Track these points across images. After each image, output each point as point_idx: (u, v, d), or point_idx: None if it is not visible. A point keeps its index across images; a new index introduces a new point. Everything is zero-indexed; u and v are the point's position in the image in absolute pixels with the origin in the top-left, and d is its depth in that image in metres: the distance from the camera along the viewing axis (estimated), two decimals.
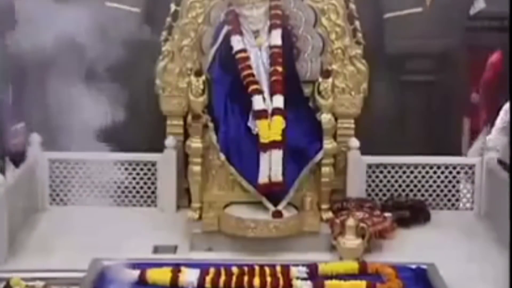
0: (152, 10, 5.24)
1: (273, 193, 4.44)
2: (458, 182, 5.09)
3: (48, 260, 4.20)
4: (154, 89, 5.06)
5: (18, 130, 5.48)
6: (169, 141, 5.00)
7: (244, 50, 4.68)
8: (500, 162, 5.00)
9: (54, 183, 5.05)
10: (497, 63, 6.31)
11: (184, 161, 4.92)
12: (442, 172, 5.07)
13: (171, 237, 4.59)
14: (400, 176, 5.07)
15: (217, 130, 4.58)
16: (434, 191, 5.08)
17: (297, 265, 4.05)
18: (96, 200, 4.63)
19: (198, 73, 4.66)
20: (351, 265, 4.11)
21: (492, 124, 5.79)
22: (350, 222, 4.32)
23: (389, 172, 5.07)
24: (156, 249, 4.45)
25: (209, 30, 4.97)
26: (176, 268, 4.00)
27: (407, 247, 4.48)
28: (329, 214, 4.63)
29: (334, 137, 4.75)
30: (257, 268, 4.01)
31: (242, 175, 4.50)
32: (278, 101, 4.56)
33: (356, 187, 4.98)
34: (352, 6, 5.01)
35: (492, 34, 6.78)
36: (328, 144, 4.60)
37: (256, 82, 4.62)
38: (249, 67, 4.65)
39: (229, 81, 4.69)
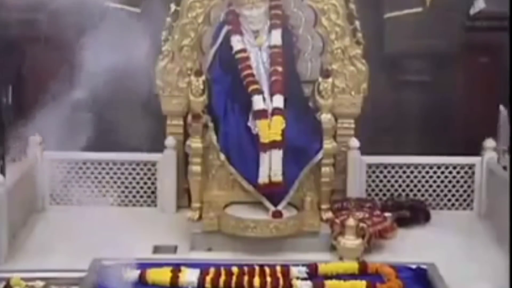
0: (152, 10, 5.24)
1: (273, 193, 4.44)
2: (458, 182, 5.09)
3: (48, 260, 4.20)
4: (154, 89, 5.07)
5: None
6: (169, 141, 5.00)
7: (244, 50, 4.68)
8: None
9: (54, 183, 5.05)
10: None
11: (184, 161, 4.92)
12: (442, 172, 5.07)
13: (171, 237, 4.59)
14: (400, 176, 5.07)
15: (217, 130, 4.58)
16: (434, 191, 5.08)
17: (297, 265, 4.05)
18: (96, 200, 4.63)
19: (198, 73, 4.66)
20: (351, 265, 4.11)
21: None
22: (350, 222, 4.32)
23: (389, 172, 5.07)
24: (156, 249, 4.45)
25: (209, 30, 4.98)
26: (176, 268, 4.00)
27: (407, 247, 4.48)
28: (329, 214, 4.63)
29: (334, 137, 4.75)
30: (257, 268, 4.01)
31: (242, 175, 4.50)
32: (278, 101, 4.56)
33: (356, 187, 4.98)
34: (352, 6, 5.02)
35: (492, 34, 6.77)
36: (328, 144, 4.60)
37: (256, 82, 4.62)
38: (249, 67, 4.65)
39: (229, 81, 4.69)
